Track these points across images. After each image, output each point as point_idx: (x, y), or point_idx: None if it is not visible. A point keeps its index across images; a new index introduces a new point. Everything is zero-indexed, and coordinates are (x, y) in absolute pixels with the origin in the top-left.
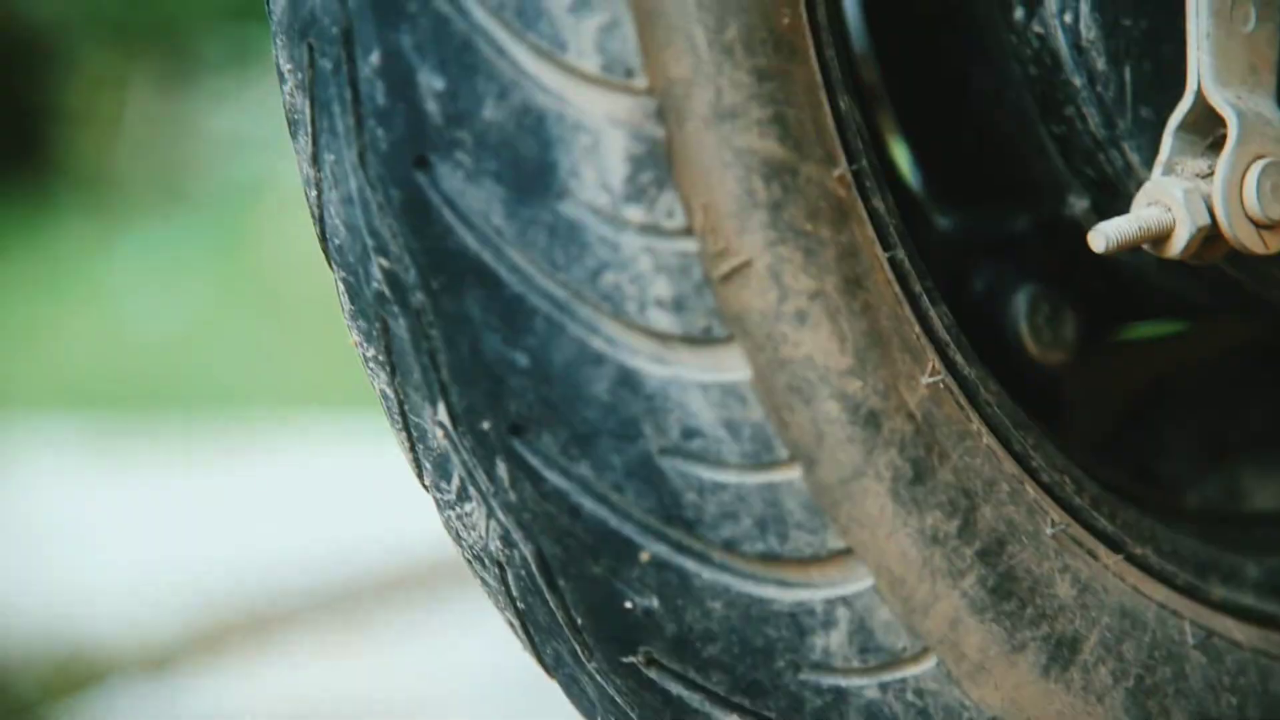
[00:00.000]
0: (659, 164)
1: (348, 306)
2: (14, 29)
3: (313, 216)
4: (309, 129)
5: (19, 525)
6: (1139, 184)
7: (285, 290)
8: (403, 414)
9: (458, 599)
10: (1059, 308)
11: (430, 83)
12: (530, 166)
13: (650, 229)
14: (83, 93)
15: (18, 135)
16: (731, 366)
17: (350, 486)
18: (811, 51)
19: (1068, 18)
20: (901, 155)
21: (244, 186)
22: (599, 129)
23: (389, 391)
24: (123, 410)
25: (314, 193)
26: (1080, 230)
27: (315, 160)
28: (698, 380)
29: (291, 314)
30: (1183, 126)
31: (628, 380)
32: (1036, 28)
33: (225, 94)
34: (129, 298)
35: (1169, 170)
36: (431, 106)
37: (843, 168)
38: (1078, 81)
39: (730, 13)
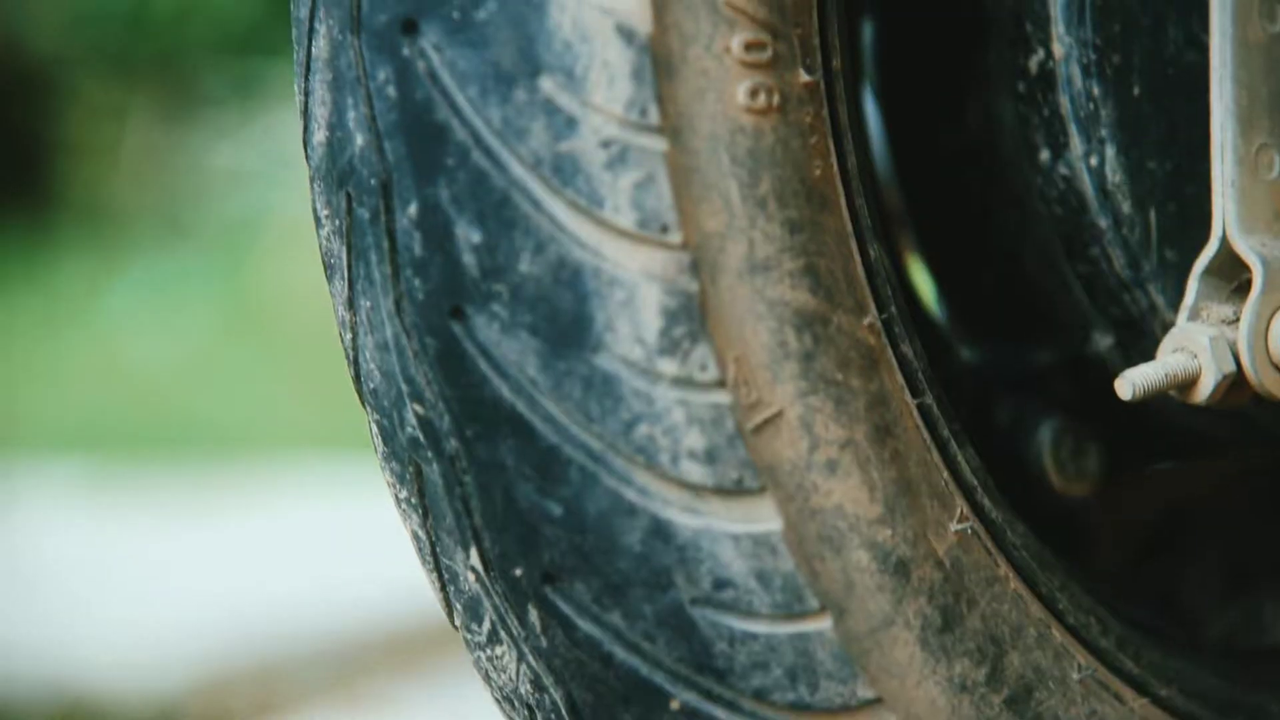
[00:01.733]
0: (693, 318)
1: (381, 448)
2: (14, 61)
3: (347, 359)
4: (345, 274)
5: (18, 571)
6: (1163, 323)
7: (285, 325)
8: (434, 556)
9: (463, 650)
10: (1083, 441)
11: (468, 235)
12: (566, 320)
13: (683, 382)
14: (82, 125)
15: (17, 167)
16: (763, 517)
17: (353, 533)
18: (842, 201)
19: (1093, 161)
20: (922, 278)
21: (244, 221)
22: (634, 283)
23: (421, 534)
24: (123, 452)
25: (349, 335)
26: (1105, 366)
27: (351, 305)
28: (729, 531)
29: (292, 350)
30: (1208, 271)
31: (660, 531)
32: (1062, 169)
33: (226, 128)
34: (128, 332)
35: (1194, 315)
36: (468, 259)
37: (872, 316)
38: (1103, 223)
39: (764, 166)
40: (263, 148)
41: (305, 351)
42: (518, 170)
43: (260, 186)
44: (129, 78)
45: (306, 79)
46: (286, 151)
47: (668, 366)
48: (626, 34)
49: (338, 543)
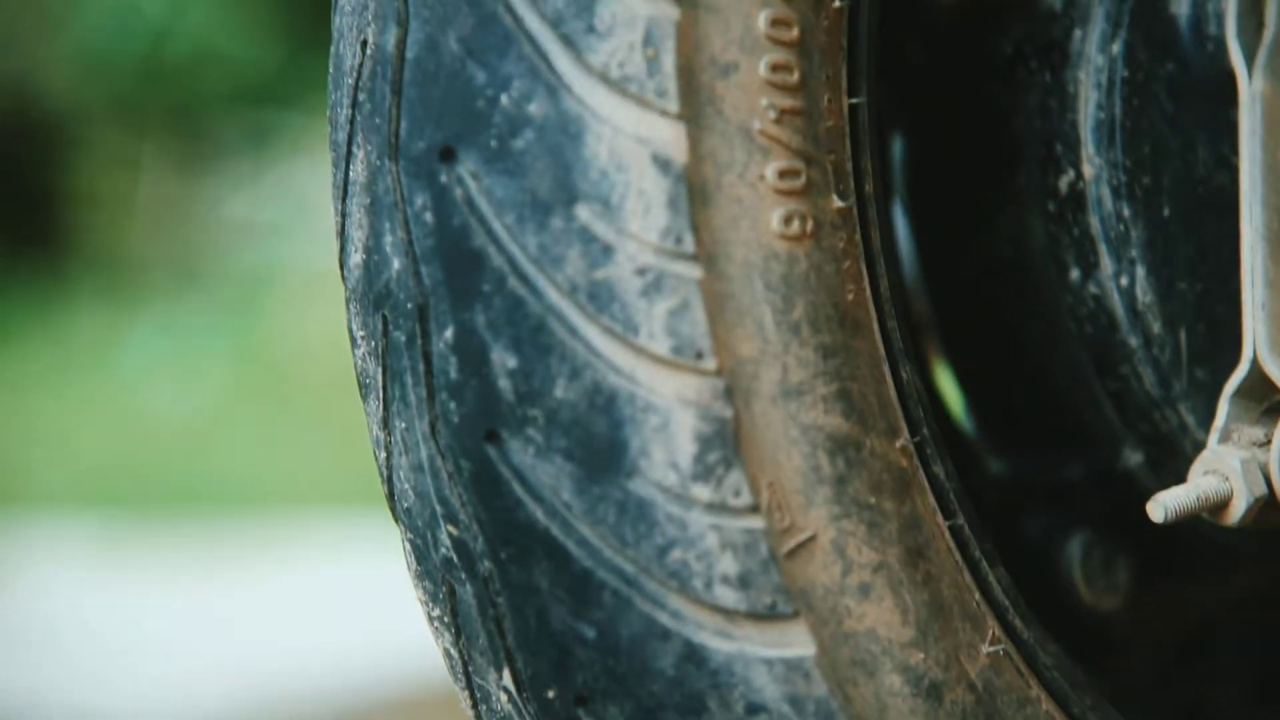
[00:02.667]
0: (727, 443)
1: (414, 566)
2: (27, 111)
3: (380, 477)
4: (380, 394)
5: (31, 628)
6: (1194, 442)
7: (300, 377)
8: (466, 674)
9: None
10: (1113, 555)
11: (503, 360)
12: (600, 445)
13: (717, 507)
14: (95, 175)
15: (30, 217)
16: (796, 642)
17: (366, 591)
18: (874, 324)
19: (1124, 281)
20: (950, 388)
21: (259, 272)
22: (669, 409)
23: (453, 652)
24: (137, 508)
25: (383, 454)
26: (1135, 482)
27: (385, 425)
28: (762, 656)
29: (306, 402)
30: (1239, 393)
31: (693, 655)
32: (1092, 289)
33: (240, 179)
34: (143, 384)
35: (1225, 437)
36: (504, 383)
37: (905, 439)
38: (1133, 342)
39: (797, 292)
40: (278, 198)
41: (320, 404)
42: (554, 297)
43: (275, 237)
44: (142, 128)
45: (344, 201)
46: (301, 202)
47: (702, 492)
48: (662, 163)
49: (351, 601)
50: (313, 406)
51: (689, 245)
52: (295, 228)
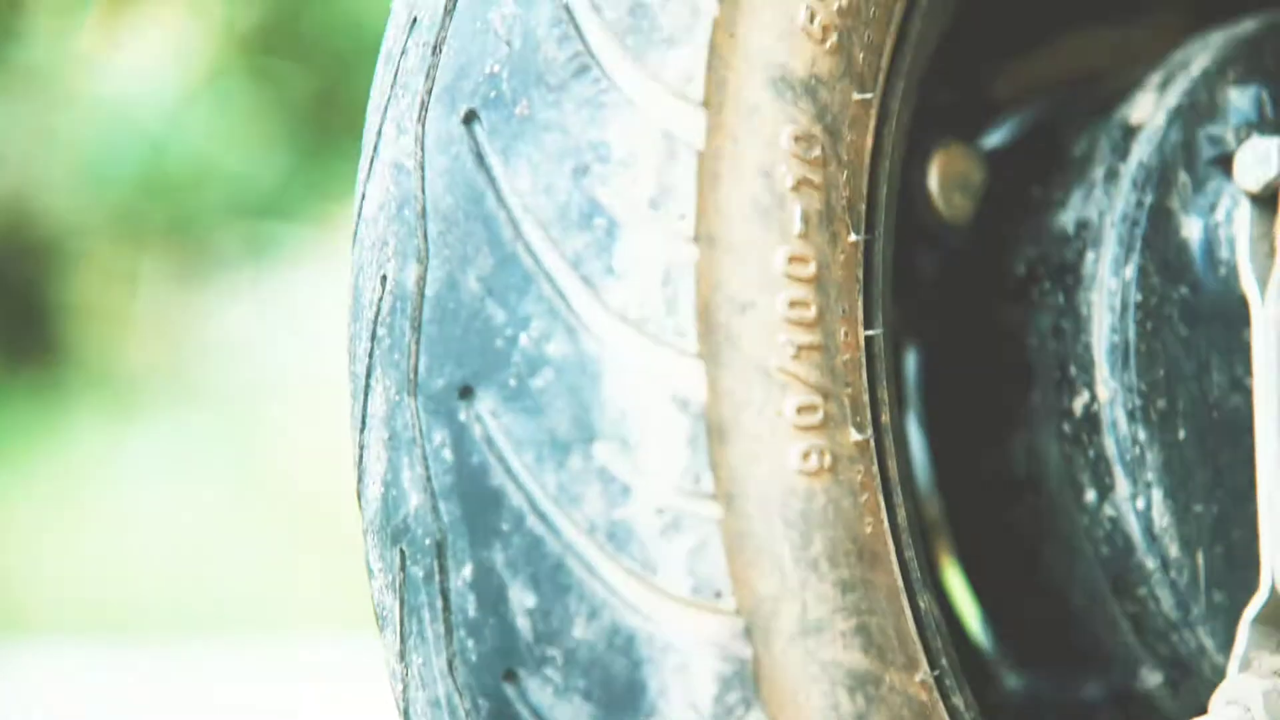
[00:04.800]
0: (746, 683)
1: None
2: (25, 223)
3: (397, 708)
4: (397, 628)
5: None
6: (1213, 665)
7: (298, 493)
8: None
9: None
10: None
11: (522, 599)
12: (619, 685)
13: None
14: (94, 287)
15: (28, 330)
16: None
17: (363, 716)
18: (892, 556)
19: (1140, 504)
20: (964, 595)
21: (258, 385)
22: (688, 650)
23: None
24: (134, 635)
25: (400, 687)
26: (1154, 703)
27: (402, 658)
28: None
29: (304, 519)
30: (1258, 620)
31: None
32: (1108, 511)
33: (240, 291)
34: (140, 500)
35: (1245, 665)
36: (522, 622)
37: (924, 672)
38: (1150, 565)
39: (815, 527)
40: (277, 312)
41: (316, 519)
42: (572, 536)
43: (273, 350)
44: (140, 241)
45: (361, 434)
46: (300, 315)
47: None
48: (680, 402)
49: None
50: (312, 521)
51: (707, 484)
52: (294, 341)
